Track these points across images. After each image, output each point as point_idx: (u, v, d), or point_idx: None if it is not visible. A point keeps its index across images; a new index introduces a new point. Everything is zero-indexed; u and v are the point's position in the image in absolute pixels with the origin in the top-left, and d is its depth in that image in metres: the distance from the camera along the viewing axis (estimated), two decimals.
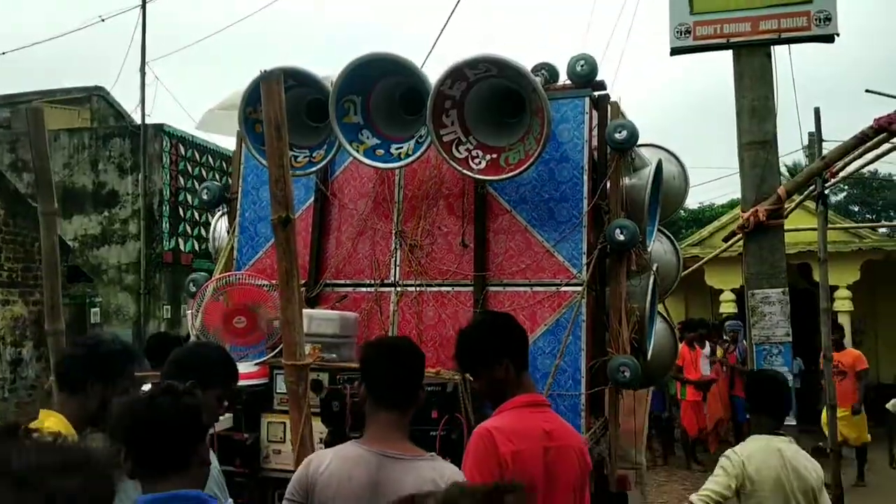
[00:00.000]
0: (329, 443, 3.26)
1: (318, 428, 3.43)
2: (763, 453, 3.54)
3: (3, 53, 19.96)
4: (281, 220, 2.48)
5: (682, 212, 32.10)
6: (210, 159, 15.69)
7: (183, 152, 14.99)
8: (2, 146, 14.96)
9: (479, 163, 3.84)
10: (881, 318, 16.23)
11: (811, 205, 11.07)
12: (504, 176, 3.84)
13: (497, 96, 3.92)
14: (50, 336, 3.07)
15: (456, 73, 3.70)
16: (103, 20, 14.92)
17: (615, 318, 4.12)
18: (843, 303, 15.71)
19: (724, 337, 11.70)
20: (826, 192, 9.20)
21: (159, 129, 14.52)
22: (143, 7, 14.78)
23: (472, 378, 2.95)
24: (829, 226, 14.44)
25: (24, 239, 11.42)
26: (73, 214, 14.46)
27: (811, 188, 9.32)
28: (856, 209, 34.29)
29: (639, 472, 5.57)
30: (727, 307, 16.20)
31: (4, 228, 11.11)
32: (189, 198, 14.96)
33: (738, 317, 12.72)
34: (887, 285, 15.97)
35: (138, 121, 14.90)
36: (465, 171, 3.89)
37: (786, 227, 12.08)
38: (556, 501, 2.68)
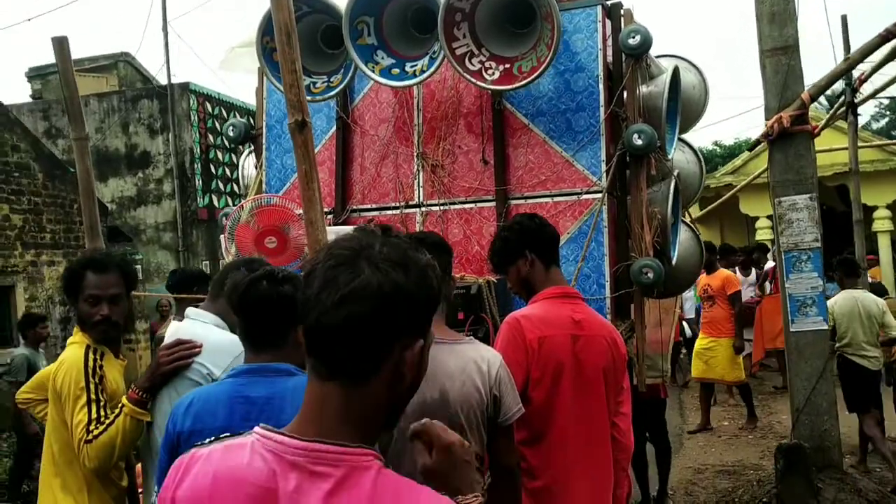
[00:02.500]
0: None
1: None
2: (843, 299, 6.73)
3: (30, 20, 20.13)
4: (297, 124, 2.58)
5: (717, 147, 31.72)
6: (237, 115, 15.85)
7: (210, 110, 15.16)
8: (35, 115, 15.25)
9: (493, 73, 3.89)
10: None
11: (846, 125, 10.83)
12: (517, 84, 3.88)
13: (507, 6, 3.95)
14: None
15: None
16: None
17: (637, 222, 4.18)
18: (882, 223, 15.50)
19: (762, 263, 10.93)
20: (857, 102, 9.06)
21: (185, 87, 14.68)
22: None
23: (503, 275, 3.06)
24: (864, 144, 14.22)
25: (63, 201, 11.72)
26: (109, 177, 14.77)
27: (841, 100, 9.18)
28: None
29: (665, 378, 5.70)
30: (763, 234, 16.08)
31: (44, 192, 11.42)
32: (220, 154, 15.17)
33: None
34: None
35: (164, 82, 15.07)
36: (479, 83, 3.95)
37: (820, 148, 11.93)
38: (585, 385, 2.80)
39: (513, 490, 2.49)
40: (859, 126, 10.34)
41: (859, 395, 6.58)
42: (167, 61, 15.20)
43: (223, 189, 15.37)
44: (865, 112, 33.37)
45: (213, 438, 1.26)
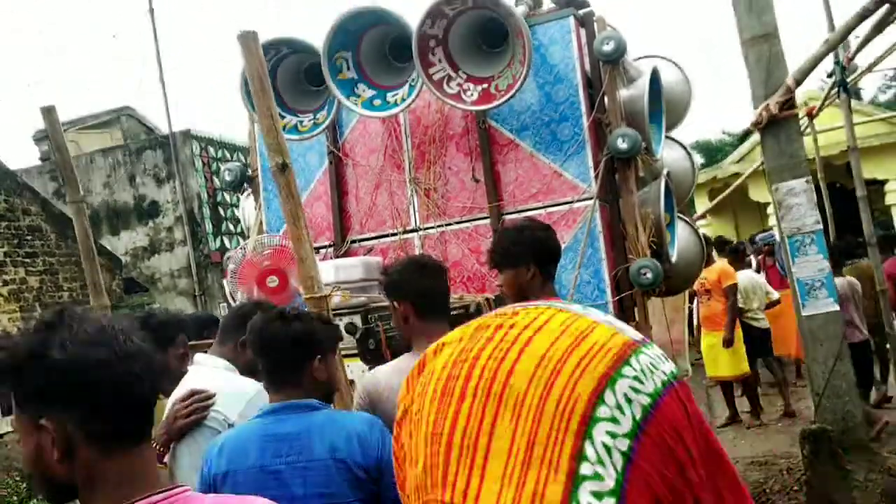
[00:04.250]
0: None
1: (360, 366, 3.64)
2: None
3: (29, 85, 20.48)
4: (279, 167, 2.65)
5: (727, 136, 31.62)
6: (240, 156, 16.05)
7: (214, 153, 15.37)
8: (44, 176, 15.51)
9: (472, 94, 3.96)
10: None
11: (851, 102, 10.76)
12: (497, 103, 3.95)
13: (478, 28, 4.03)
14: (96, 311, 3.33)
15: (435, 12, 3.81)
16: (115, 37, 15.21)
17: (630, 225, 4.22)
18: (894, 195, 15.37)
19: (747, 251, 10.51)
20: (848, 80, 9.04)
21: (187, 134, 14.90)
22: (153, 19, 15.09)
23: (498, 272, 3.08)
24: (866, 118, 14.15)
25: (77, 259, 11.89)
26: (121, 230, 14.98)
27: (833, 80, 9.16)
28: None
29: (688, 376, 5.69)
30: (775, 219, 16.00)
31: (58, 252, 11.61)
32: (227, 197, 15.34)
33: None
34: None
35: (166, 130, 15.30)
36: (458, 105, 4.02)
37: (822, 127, 11.88)
38: None
39: None
40: (866, 101, 10.37)
41: None
42: (167, 111, 15.44)
43: (233, 230, 15.54)
44: (871, 85, 33.11)
45: None
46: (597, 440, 0.89)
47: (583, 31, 4.45)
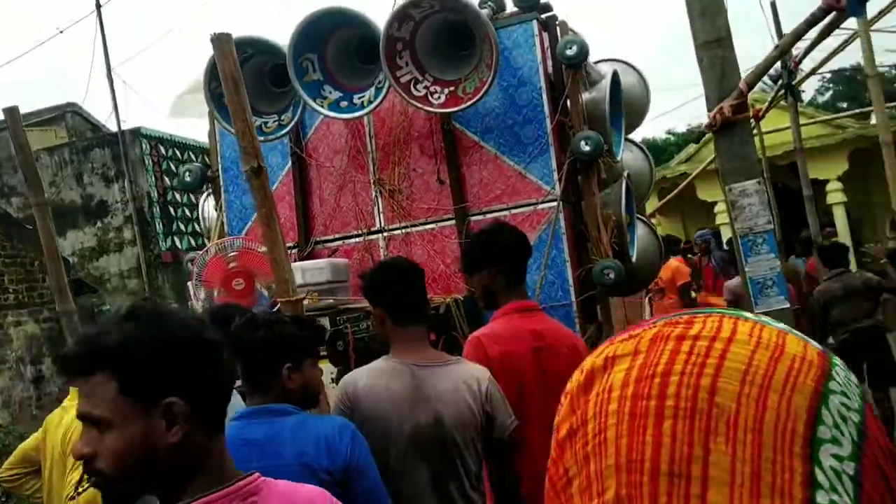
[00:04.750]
0: (339, 379, 3.47)
1: (328, 368, 3.64)
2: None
3: None
4: (253, 170, 2.65)
5: (671, 136, 32.24)
6: (192, 155, 15.79)
7: (164, 152, 15.09)
8: None
9: (439, 97, 3.99)
10: (877, 209, 16.36)
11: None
12: (463, 106, 3.98)
13: (445, 31, 4.06)
14: (63, 317, 3.28)
15: (402, 15, 3.83)
16: (61, 32, 14.86)
17: (593, 226, 4.30)
18: (835, 195, 15.86)
19: (694, 249, 10.99)
20: (795, 83, 9.34)
21: (136, 133, 14.60)
22: (99, 14, 14.74)
23: (469, 276, 3.14)
24: (808, 121, 14.59)
25: (24, 259, 11.59)
26: (67, 230, 14.61)
27: (780, 83, 9.45)
28: (844, 106, 34.22)
29: None
30: (722, 218, 16.38)
31: (3, 252, 11.27)
32: (178, 196, 15.08)
33: None
34: (880, 173, 16.06)
35: (114, 129, 14.97)
36: (425, 108, 4.05)
37: (767, 129, 12.18)
38: (550, 393, 2.89)
39: (514, 501, 2.58)
40: (805, 102, 10.66)
41: None
42: (115, 108, 15.05)
43: (185, 230, 15.28)
44: (810, 87, 34.06)
45: None
46: (825, 464, 0.83)
47: (546, 35, 4.51)
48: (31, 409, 11.37)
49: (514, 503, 2.60)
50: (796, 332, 0.93)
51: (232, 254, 3.90)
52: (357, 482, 2.14)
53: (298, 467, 2.09)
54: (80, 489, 2.61)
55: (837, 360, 0.92)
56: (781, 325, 0.96)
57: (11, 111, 3.00)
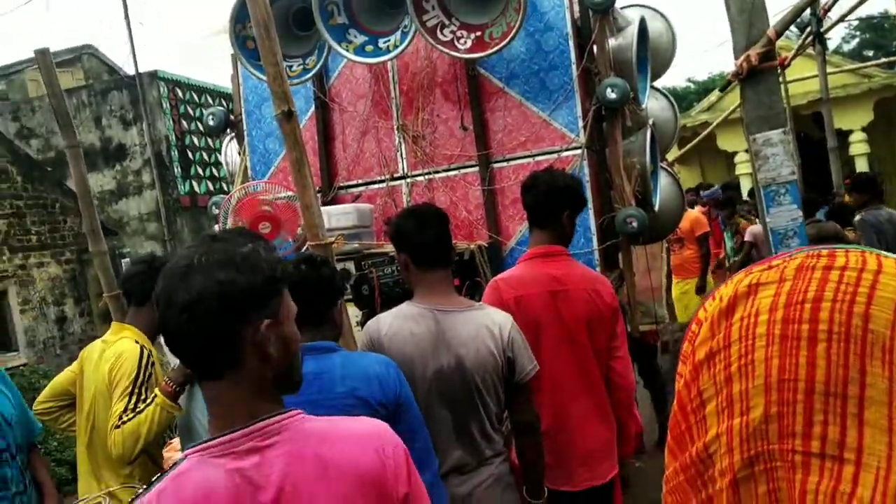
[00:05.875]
0: (364, 323, 3.53)
1: (353, 312, 3.70)
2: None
3: None
4: (284, 114, 2.66)
5: (692, 84, 31.74)
6: (209, 98, 15.75)
7: (181, 95, 15.06)
8: (5, 117, 15.10)
9: (465, 42, 3.96)
10: None
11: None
12: (490, 51, 3.95)
13: None
14: (95, 257, 3.35)
15: None
16: None
17: (616, 174, 4.29)
18: (858, 146, 15.64)
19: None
20: (823, 31, 9.15)
21: (154, 76, 14.55)
22: None
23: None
24: (835, 69, 14.32)
25: (45, 201, 11.70)
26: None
27: (808, 31, 9.26)
28: (870, 54, 33.44)
29: (662, 325, 5.85)
30: (742, 168, 16.24)
31: (25, 194, 11.38)
32: (195, 140, 15.09)
33: None
34: None
35: (131, 72, 14.92)
36: (452, 53, 4.02)
37: (792, 77, 11.97)
38: (567, 335, 2.98)
39: (535, 443, 2.66)
40: (831, 50, 10.43)
41: None
42: (133, 50, 14.99)
43: (203, 174, 15.34)
44: (836, 35, 33.35)
45: (156, 477, 1.38)
46: None
47: None
48: (54, 348, 11.62)
49: (535, 442, 2.67)
50: None
51: (263, 197, 3.93)
52: (403, 416, 2.22)
53: (353, 399, 2.18)
54: (125, 417, 2.69)
55: None
56: None
57: (42, 53, 3.01)
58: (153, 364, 2.90)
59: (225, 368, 1.34)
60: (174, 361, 2.67)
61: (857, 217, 6.52)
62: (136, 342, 2.97)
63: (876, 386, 0.91)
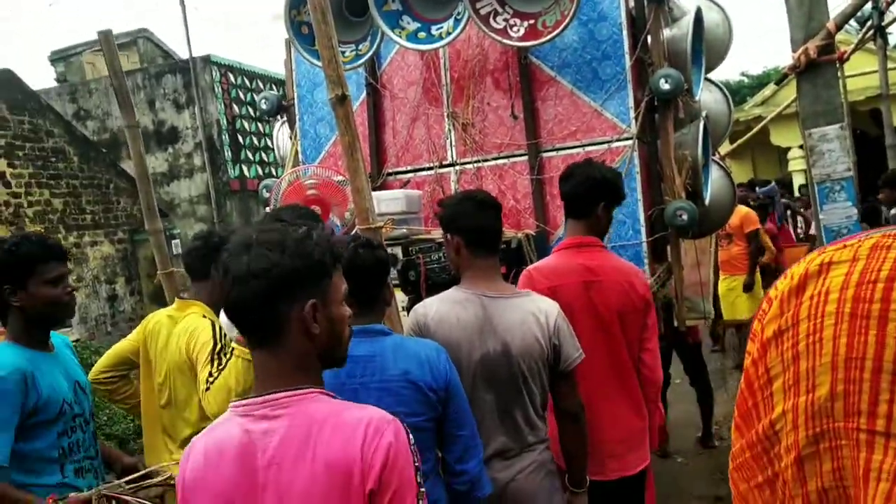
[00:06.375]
0: (410, 308, 3.56)
1: (400, 297, 3.73)
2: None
3: (51, 5, 20.23)
4: (338, 98, 2.69)
5: (745, 78, 31.11)
6: (260, 84, 15.95)
7: (233, 80, 15.27)
8: (63, 98, 15.48)
9: (518, 30, 3.95)
10: None
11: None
12: (543, 40, 3.93)
13: None
14: (151, 235, 3.44)
15: None
16: None
17: (667, 166, 4.25)
18: None
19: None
20: (885, 25, 8.90)
21: (207, 60, 14.78)
22: None
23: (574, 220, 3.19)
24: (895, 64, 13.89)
25: (100, 181, 11.99)
26: None
27: (868, 24, 9.02)
28: None
29: (708, 320, 5.78)
30: (795, 164, 15.92)
31: (81, 174, 11.68)
32: (246, 124, 15.31)
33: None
34: None
35: (184, 56, 15.18)
36: (504, 41, 4.01)
37: (850, 72, 11.66)
38: (600, 325, 2.98)
39: (578, 430, 2.67)
40: (892, 45, 10.15)
41: None
42: (187, 34, 15.24)
43: (252, 159, 15.56)
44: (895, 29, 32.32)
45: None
46: None
47: None
48: (105, 325, 11.92)
49: (578, 430, 2.68)
50: None
51: (310, 181, 3.99)
52: (452, 400, 2.25)
53: (405, 382, 2.22)
54: (212, 379, 2.75)
55: None
56: None
57: (106, 35, 3.09)
58: (225, 335, 2.96)
59: (270, 340, 1.48)
60: (232, 333, 2.73)
61: (893, 212, 6.35)
62: (204, 316, 3.05)
63: None
